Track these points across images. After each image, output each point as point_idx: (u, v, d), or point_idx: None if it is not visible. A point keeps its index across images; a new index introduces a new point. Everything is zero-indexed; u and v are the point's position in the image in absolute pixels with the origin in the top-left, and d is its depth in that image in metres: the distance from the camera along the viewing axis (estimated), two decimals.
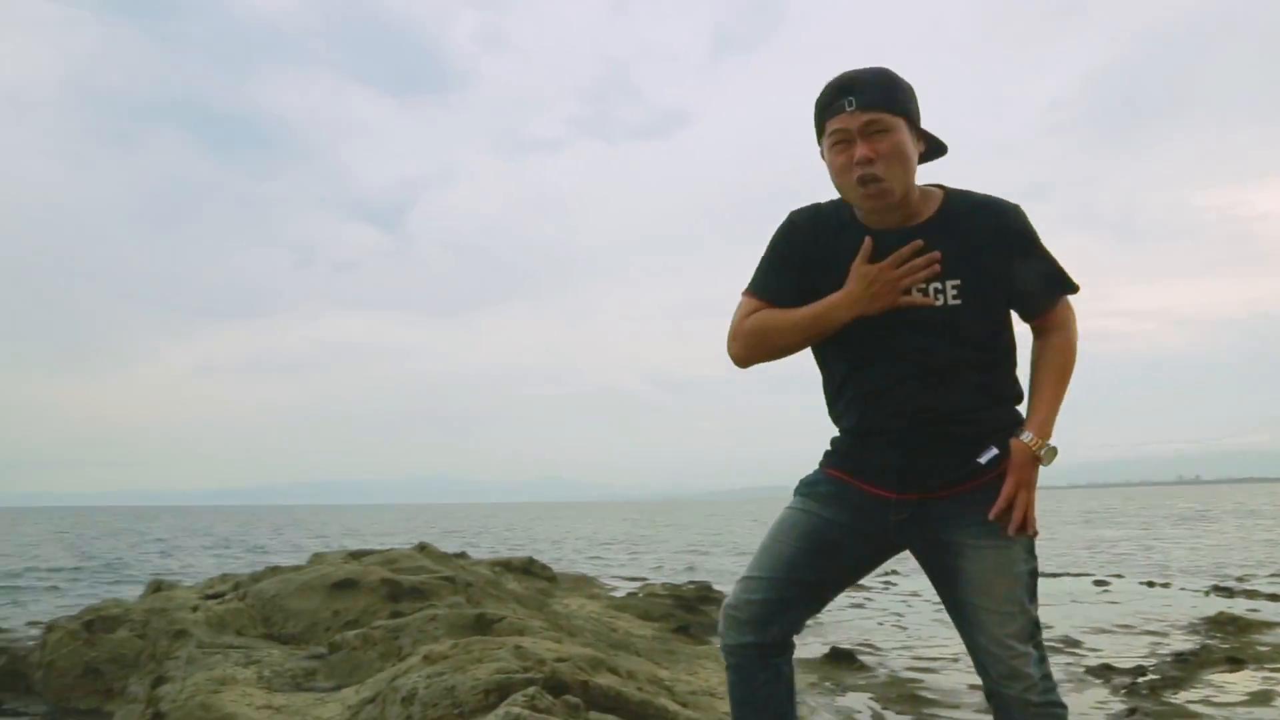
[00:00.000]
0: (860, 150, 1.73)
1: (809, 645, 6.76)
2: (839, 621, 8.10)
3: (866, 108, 1.73)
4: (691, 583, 11.96)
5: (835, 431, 1.99)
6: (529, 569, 9.53)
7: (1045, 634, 1.92)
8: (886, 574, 13.42)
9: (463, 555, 13.72)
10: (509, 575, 8.17)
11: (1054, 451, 1.81)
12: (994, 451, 1.83)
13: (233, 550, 23.63)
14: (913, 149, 1.79)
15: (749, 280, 1.94)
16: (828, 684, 5.34)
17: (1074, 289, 1.91)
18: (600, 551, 21.79)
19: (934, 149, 1.89)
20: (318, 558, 7.20)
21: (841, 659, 5.92)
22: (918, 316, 1.81)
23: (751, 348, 1.90)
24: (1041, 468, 1.82)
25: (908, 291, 1.79)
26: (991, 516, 1.79)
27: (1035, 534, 1.84)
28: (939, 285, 1.81)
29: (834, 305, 1.81)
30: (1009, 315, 1.90)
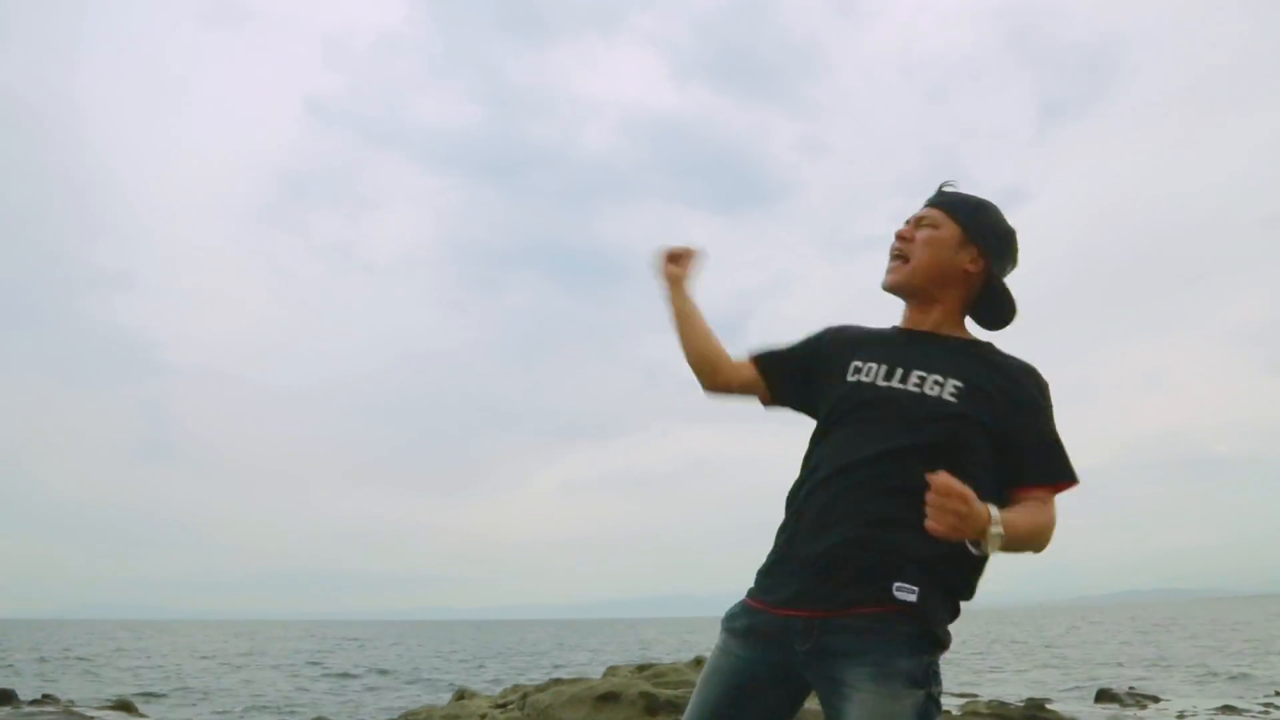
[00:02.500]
0: (902, 229, 1.79)
1: None
2: None
3: (929, 205, 1.79)
4: (1027, 699, 10.78)
5: None
6: None
7: None
8: (1271, 695, 11.17)
9: None
10: None
11: (1000, 539, 1.50)
12: (913, 592, 1.60)
13: (547, 660, 24.92)
14: (954, 252, 1.73)
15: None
16: None
17: (1072, 479, 1.67)
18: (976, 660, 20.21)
19: (997, 306, 1.77)
20: (611, 670, 7.54)
21: None
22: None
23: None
24: (977, 547, 1.51)
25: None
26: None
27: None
28: (939, 378, 1.67)
29: None
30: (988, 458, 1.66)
